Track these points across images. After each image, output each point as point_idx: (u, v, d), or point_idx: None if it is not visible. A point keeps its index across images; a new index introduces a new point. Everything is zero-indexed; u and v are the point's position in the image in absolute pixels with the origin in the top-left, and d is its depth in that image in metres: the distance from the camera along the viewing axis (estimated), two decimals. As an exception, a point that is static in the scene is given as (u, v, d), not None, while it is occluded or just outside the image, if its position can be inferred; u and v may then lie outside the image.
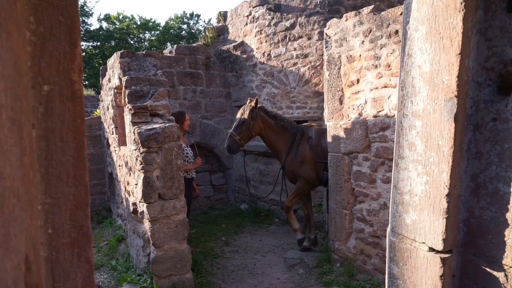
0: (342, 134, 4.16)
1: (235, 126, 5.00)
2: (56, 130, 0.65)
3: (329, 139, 4.43)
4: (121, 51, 4.27)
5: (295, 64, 6.61)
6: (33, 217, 0.61)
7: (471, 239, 1.22)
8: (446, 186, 1.19)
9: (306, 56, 6.45)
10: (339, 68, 4.08)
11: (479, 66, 1.16)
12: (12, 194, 0.47)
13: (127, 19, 30.42)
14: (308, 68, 6.44)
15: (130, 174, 4.33)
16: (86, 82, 24.01)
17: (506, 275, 1.13)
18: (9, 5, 0.51)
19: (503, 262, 1.13)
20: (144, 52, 4.43)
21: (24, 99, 0.60)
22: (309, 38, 6.37)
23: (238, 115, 5.10)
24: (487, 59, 1.15)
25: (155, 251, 3.75)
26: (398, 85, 1.46)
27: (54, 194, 0.66)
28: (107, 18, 29.41)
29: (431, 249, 1.25)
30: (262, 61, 7.15)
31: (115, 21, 29.80)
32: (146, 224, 3.81)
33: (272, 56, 6.94)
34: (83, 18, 26.29)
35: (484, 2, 1.14)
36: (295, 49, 6.57)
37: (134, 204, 4.06)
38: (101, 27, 28.30)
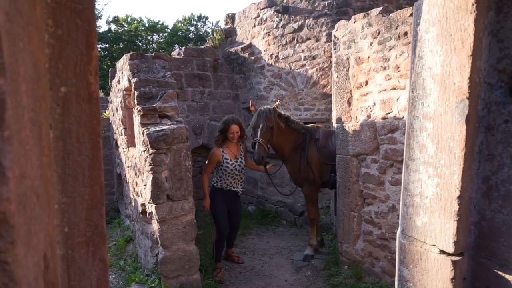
0: (350, 136, 4.14)
1: (261, 133, 4.58)
2: (73, 131, 0.67)
3: (337, 141, 4.42)
4: (131, 53, 4.32)
5: (303, 66, 6.61)
6: (51, 216, 0.63)
7: (482, 241, 1.21)
8: (458, 188, 1.18)
9: (314, 58, 6.44)
10: (348, 70, 4.07)
11: (490, 67, 1.16)
12: (32, 193, 0.48)
13: (136, 21, 30.66)
14: (316, 70, 6.44)
15: (138, 175, 4.36)
16: (95, 84, 24.21)
17: (518, 279, 1.12)
18: (30, 8, 0.53)
19: (516, 265, 1.12)
20: (153, 54, 4.47)
21: (42, 100, 0.61)
22: (317, 40, 6.37)
23: (257, 119, 4.66)
24: (499, 60, 1.14)
25: (163, 251, 3.77)
26: (408, 86, 1.46)
27: (70, 194, 0.67)
28: (115, 20, 29.68)
29: (442, 252, 1.24)
30: (270, 63, 7.16)
31: (123, 23, 30.06)
32: (155, 225, 3.83)
33: (280, 58, 6.95)
34: (92, 21, 26.52)
35: (496, 3, 1.13)
36: (303, 51, 6.56)
37: (143, 205, 4.09)
38: (109, 29, 28.56)
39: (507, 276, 1.15)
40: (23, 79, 0.45)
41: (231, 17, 8.32)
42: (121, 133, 5.46)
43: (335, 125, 4.51)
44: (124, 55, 4.54)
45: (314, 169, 4.89)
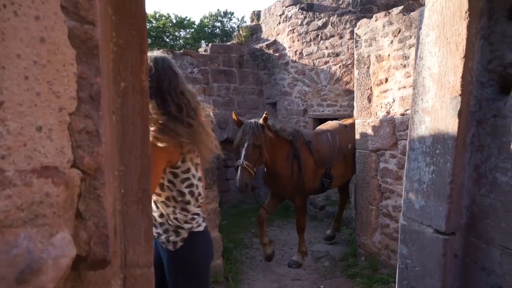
0: (370, 131, 4.26)
1: (246, 154, 3.80)
2: (129, 116, 0.88)
3: (357, 136, 4.54)
4: (161, 50, 4.58)
5: (326, 62, 6.71)
6: (114, 179, 0.84)
7: (472, 223, 1.36)
8: (450, 174, 1.33)
9: (337, 54, 6.54)
10: (368, 67, 4.18)
11: (482, 68, 1.30)
12: (109, 158, 0.69)
13: (163, 18, 31.30)
14: (339, 66, 6.53)
15: (167, 165, 4.63)
16: (125, 78, 24.90)
17: (501, 255, 1.26)
18: (106, 25, 0.74)
19: (500, 243, 1.26)
20: (181, 51, 4.72)
21: (109, 92, 0.83)
22: (340, 37, 6.46)
23: (242, 136, 3.89)
24: (490, 61, 1.28)
25: (188, 236, 4.03)
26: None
27: (126, 164, 0.89)
28: (145, 17, 30.32)
29: (436, 231, 1.40)
30: (294, 59, 7.30)
31: (152, 19, 30.74)
32: (181, 212, 4.09)
33: (304, 55, 7.08)
34: (123, 17, 27.24)
35: (488, 10, 1.27)
36: (326, 48, 6.67)
37: (170, 193, 4.36)
38: (139, 26, 29.21)
39: (492, 253, 1.29)
40: (105, 77, 0.66)
41: (256, 14, 8.50)
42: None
43: (355, 120, 4.63)
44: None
45: (309, 177, 4.40)
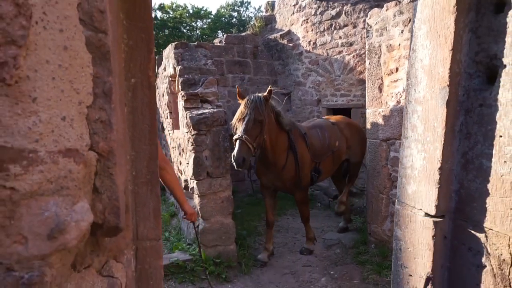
0: (380, 121, 4.31)
1: (246, 127, 3.58)
2: (139, 108, 1.01)
3: (368, 125, 4.59)
4: (175, 42, 4.72)
5: (340, 52, 6.73)
6: (126, 162, 0.98)
7: (461, 206, 1.45)
8: (439, 161, 1.42)
9: (351, 44, 6.54)
10: (379, 57, 4.21)
11: (470, 59, 1.37)
12: (121, 144, 0.82)
13: (180, 8, 31.41)
14: (353, 56, 6.54)
15: (182, 155, 4.81)
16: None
17: (486, 236, 1.35)
18: (117, 30, 0.87)
19: (484, 225, 1.35)
20: (195, 43, 4.85)
21: (121, 88, 0.96)
22: (354, 27, 6.44)
23: (244, 110, 3.70)
24: (477, 53, 1.35)
25: (203, 223, 4.21)
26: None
27: (137, 149, 1.02)
28: (161, 7, 30.58)
29: (426, 214, 1.50)
30: (308, 49, 7.33)
31: (169, 10, 30.93)
32: (196, 199, 4.27)
33: (318, 45, 7.10)
34: (140, 9, 27.51)
35: (475, 5, 1.34)
36: (340, 38, 6.67)
37: (186, 181, 4.54)
38: (156, 17, 29.48)
39: (478, 234, 1.38)
40: (117, 76, 0.79)
41: (271, 5, 8.53)
42: (167, 117, 5.95)
43: (366, 110, 4.67)
44: (170, 45, 4.96)
45: (306, 171, 4.29)
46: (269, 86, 4.01)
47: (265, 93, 3.83)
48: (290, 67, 7.90)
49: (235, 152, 3.57)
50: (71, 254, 0.67)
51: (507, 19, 1.23)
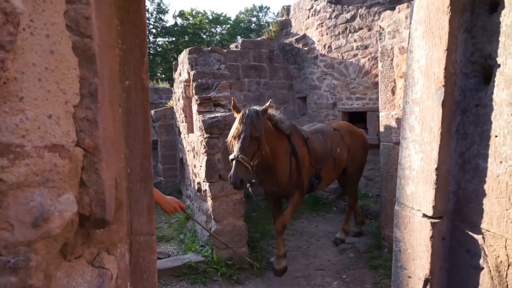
0: (393, 124, 4.26)
1: (242, 146, 3.36)
2: (132, 109, 1.07)
3: (381, 129, 4.55)
4: (189, 48, 4.83)
5: (355, 55, 6.69)
6: (120, 160, 1.03)
7: (458, 207, 1.44)
8: (436, 161, 1.42)
9: (366, 47, 6.49)
10: (392, 60, 4.18)
11: (466, 59, 1.37)
12: (109, 140, 0.87)
13: (200, 14, 31.93)
14: (368, 59, 6.49)
15: (196, 158, 4.90)
16: (163, 75, 25.79)
17: (483, 237, 1.33)
18: (108, 35, 0.92)
19: (481, 226, 1.34)
20: (209, 48, 4.94)
21: (115, 89, 1.01)
22: (369, 29, 6.41)
23: (238, 126, 3.45)
24: (472, 53, 1.35)
25: (215, 225, 4.26)
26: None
27: (131, 148, 1.08)
28: (181, 14, 31.16)
29: (424, 215, 1.49)
30: (323, 53, 7.33)
31: (188, 16, 31.48)
32: (209, 202, 4.33)
33: (333, 48, 7.09)
34: (160, 15, 28.17)
35: (470, 5, 1.33)
36: (355, 41, 6.64)
37: (199, 183, 4.62)
38: (176, 23, 30.07)
39: (475, 236, 1.37)
40: (105, 78, 0.84)
41: (286, 9, 8.58)
42: (182, 121, 6.07)
43: (380, 113, 4.63)
44: (184, 50, 5.07)
45: (305, 174, 4.14)
46: (269, 101, 3.85)
47: (263, 107, 3.61)
48: (305, 71, 7.91)
49: (231, 173, 3.38)
50: (57, 242, 0.72)
51: (501, 19, 1.23)
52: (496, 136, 1.26)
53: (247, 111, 3.49)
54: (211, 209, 4.25)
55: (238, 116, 3.56)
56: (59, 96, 0.71)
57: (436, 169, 1.41)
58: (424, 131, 1.46)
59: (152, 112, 8.13)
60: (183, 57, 5.18)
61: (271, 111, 3.82)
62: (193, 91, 4.59)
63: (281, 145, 3.87)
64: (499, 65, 1.24)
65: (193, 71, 4.61)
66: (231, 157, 3.43)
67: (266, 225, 6.26)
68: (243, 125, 3.41)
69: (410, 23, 1.53)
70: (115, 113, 0.98)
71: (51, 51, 0.69)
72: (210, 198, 4.22)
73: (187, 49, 4.88)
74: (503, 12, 1.22)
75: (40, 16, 0.67)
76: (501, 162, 1.25)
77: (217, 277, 4.10)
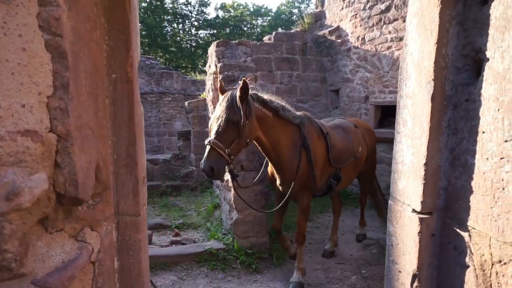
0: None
1: (217, 131, 2.99)
2: (118, 100, 1.16)
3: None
4: (217, 41, 4.93)
5: (389, 47, 6.49)
6: (105, 146, 1.14)
7: (448, 204, 1.42)
8: (425, 156, 1.40)
9: (400, 39, 6.27)
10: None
11: (458, 53, 1.33)
12: (88, 127, 0.97)
13: (241, 7, 32.10)
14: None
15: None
16: (203, 68, 26.27)
17: (470, 235, 1.31)
18: (89, 33, 1.02)
19: (468, 223, 1.31)
20: (236, 41, 5.01)
21: (101, 82, 1.11)
22: (404, 21, 6.16)
23: (218, 112, 3.09)
24: (464, 47, 1.31)
25: (237, 214, 4.37)
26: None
27: (117, 135, 1.18)
28: (223, 6, 31.50)
29: (413, 211, 1.48)
30: (356, 45, 7.17)
31: (230, 9, 31.76)
32: (231, 192, 4.44)
33: (366, 40, 6.91)
34: (202, 8, 28.63)
35: (463, -3, 1.30)
36: (389, 32, 6.44)
37: (223, 173, 4.74)
38: (217, 16, 30.45)
39: (462, 233, 1.35)
40: (82, 71, 0.94)
41: (320, 1, 8.45)
42: (211, 112, 6.22)
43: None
44: (212, 43, 5.18)
45: (317, 173, 3.66)
46: (244, 77, 3.34)
47: (240, 86, 3.03)
48: (338, 63, 7.79)
49: (203, 159, 2.99)
50: (32, 215, 0.83)
51: (490, 11, 1.19)
52: (484, 132, 1.23)
53: (229, 93, 3.13)
54: (233, 199, 4.37)
55: (220, 98, 3.22)
56: (32, 87, 0.81)
57: (425, 164, 1.40)
58: (415, 126, 1.45)
59: (186, 103, 8.36)
60: (212, 50, 5.30)
61: (267, 96, 3.40)
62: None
63: (285, 136, 3.45)
64: (488, 59, 1.20)
65: (220, 64, 4.71)
66: (206, 141, 3.05)
67: (291, 218, 6.29)
68: (223, 108, 3.05)
69: (407, 16, 1.51)
70: (99, 103, 1.08)
71: (24, 48, 0.79)
72: (232, 188, 4.33)
73: (215, 42, 4.98)
74: (493, 4, 1.18)
75: (13, 18, 0.77)
76: (487, 158, 1.22)
77: (236, 265, 4.22)
